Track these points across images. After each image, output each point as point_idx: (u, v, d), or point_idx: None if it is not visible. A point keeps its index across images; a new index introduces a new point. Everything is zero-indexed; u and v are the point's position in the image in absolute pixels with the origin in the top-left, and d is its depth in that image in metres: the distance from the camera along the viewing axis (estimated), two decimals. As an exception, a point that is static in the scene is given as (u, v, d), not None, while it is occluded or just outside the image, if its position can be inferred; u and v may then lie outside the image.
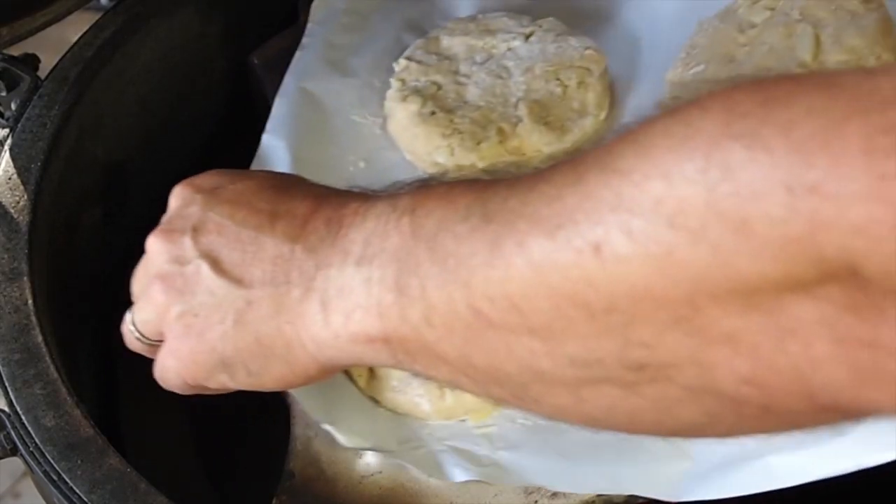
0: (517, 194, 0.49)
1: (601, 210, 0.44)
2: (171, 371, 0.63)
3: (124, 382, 0.81)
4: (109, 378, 0.80)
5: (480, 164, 0.82)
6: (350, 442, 0.70)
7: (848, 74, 0.41)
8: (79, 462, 0.64)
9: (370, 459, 0.70)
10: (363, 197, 0.59)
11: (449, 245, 0.51)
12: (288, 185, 0.64)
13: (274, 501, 0.70)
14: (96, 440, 0.65)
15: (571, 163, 0.47)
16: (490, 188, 0.51)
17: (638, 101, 0.85)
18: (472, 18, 0.90)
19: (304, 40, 0.91)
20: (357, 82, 0.89)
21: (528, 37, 0.88)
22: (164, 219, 0.65)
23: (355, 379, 0.73)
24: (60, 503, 0.63)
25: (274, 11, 0.92)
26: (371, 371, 0.73)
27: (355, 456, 0.71)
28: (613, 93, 0.87)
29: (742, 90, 0.42)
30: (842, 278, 0.40)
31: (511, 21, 0.89)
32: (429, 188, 0.55)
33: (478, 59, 0.87)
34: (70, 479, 0.63)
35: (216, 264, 0.60)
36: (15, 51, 0.83)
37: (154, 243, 0.64)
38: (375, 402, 0.73)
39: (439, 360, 0.53)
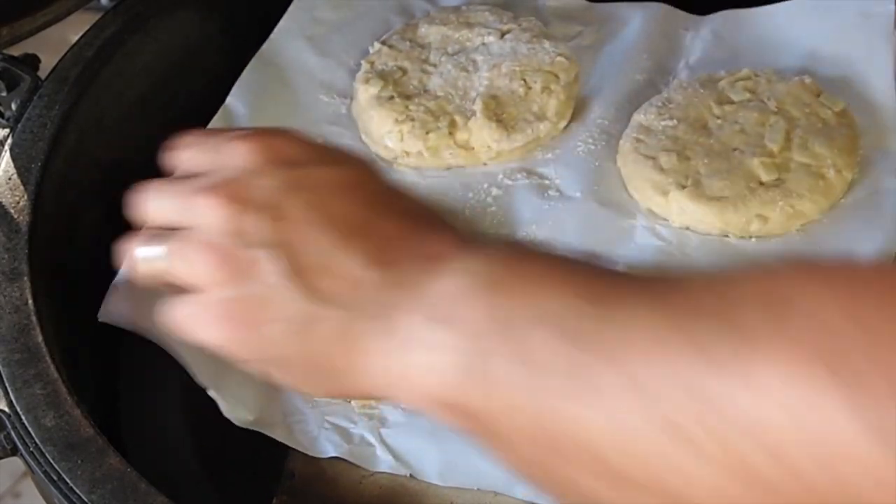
0: (613, 320, 0.47)
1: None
2: (204, 336, 0.56)
3: (124, 382, 0.81)
4: (109, 378, 0.80)
5: (426, 154, 0.83)
6: (232, 412, 0.70)
7: None
8: (79, 462, 0.64)
9: (370, 459, 0.71)
10: (452, 240, 0.55)
11: (528, 345, 0.49)
12: (380, 191, 0.58)
13: (274, 501, 0.70)
14: (96, 440, 0.65)
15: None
16: (581, 296, 0.49)
17: (600, 120, 0.85)
18: (456, 9, 0.90)
19: (291, 7, 0.91)
20: (331, 63, 0.89)
21: (503, 34, 0.88)
22: (224, 174, 0.57)
23: None
24: (60, 503, 0.63)
25: (274, 11, 0.92)
26: None
27: (355, 456, 0.71)
28: (583, 104, 0.86)
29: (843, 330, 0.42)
30: None
31: (492, 16, 0.89)
32: (513, 259, 0.53)
33: (450, 50, 0.87)
34: (70, 479, 0.63)
35: (286, 264, 0.54)
36: (15, 51, 0.83)
37: (212, 204, 0.56)
38: None
39: (494, 439, 0.51)
